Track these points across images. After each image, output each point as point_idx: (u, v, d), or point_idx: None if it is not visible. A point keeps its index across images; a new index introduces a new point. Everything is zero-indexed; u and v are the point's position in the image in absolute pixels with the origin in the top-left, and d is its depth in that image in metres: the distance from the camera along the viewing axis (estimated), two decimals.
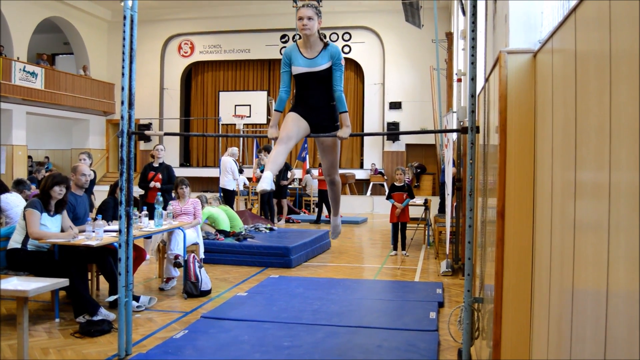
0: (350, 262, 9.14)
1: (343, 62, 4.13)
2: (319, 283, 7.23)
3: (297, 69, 4.10)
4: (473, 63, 3.90)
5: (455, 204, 8.27)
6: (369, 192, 19.82)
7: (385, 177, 19.74)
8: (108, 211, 6.80)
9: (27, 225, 5.49)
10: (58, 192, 5.65)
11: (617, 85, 1.44)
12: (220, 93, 22.34)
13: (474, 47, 3.89)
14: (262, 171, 13.26)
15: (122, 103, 4.21)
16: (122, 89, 4.20)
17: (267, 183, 3.73)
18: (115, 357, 4.52)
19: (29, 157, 20.57)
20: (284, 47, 21.41)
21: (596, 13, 1.67)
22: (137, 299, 5.85)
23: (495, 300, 3.04)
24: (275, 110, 4.20)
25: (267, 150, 13.56)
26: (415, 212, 10.66)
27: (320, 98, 4.14)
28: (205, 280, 6.59)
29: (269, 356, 4.48)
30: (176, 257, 6.75)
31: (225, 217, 9.21)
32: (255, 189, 3.85)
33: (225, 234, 9.00)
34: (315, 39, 4.06)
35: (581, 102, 1.85)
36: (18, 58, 18.15)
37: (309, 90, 4.14)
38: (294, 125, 4.06)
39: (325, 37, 4.19)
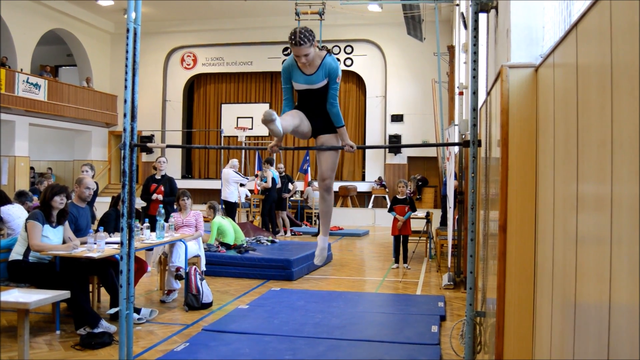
0: (352, 275, 9.12)
1: (339, 78, 4.06)
2: (320, 296, 7.22)
3: (297, 85, 4.11)
4: (475, 77, 3.91)
5: (457, 217, 8.26)
6: (370, 205, 19.81)
7: (387, 190, 19.73)
8: (110, 223, 6.80)
9: (28, 237, 5.49)
10: (59, 202, 5.67)
11: (618, 99, 1.44)
12: (223, 105, 22.39)
13: (475, 61, 3.91)
14: (265, 182, 13.30)
15: (125, 115, 4.22)
16: (125, 101, 4.21)
17: (274, 115, 3.58)
18: None
19: (31, 168, 20.61)
20: (286, 59, 21.47)
21: (597, 27, 1.68)
22: (138, 311, 5.84)
23: (497, 314, 3.03)
24: None
25: (269, 162, 13.57)
26: (417, 224, 10.65)
27: (321, 107, 4.13)
28: (206, 293, 6.58)
29: None
30: (177, 269, 6.75)
31: (232, 230, 9.22)
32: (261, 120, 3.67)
33: (227, 246, 8.99)
34: (314, 56, 4.00)
35: (582, 115, 1.85)
36: (22, 69, 18.23)
37: (309, 103, 4.15)
38: (299, 113, 4.08)
39: (324, 47, 4.15)
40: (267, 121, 3.56)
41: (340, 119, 4.12)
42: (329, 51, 4.08)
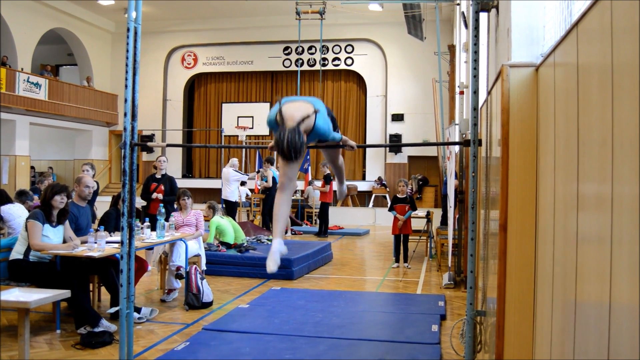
0: (352, 274, 9.12)
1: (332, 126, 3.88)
2: (320, 295, 7.22)
3: None
4: (475, 76, 3.91)
5: (457, 216, 8.26)
6: (371, 204, 19.81)
7: (388, 189, 19.73)
8: (110, 222, 6.80)
9: (28, 236, 5.49)
10: (59, 201, 5.67)
11: (619, 98, 1.44)
12: (223, 104, 22.38)
13: (476, 61, 3.91)
14: (265, 182, 13.30)
15: (125, 115, 4.21)
16: (125, 100, 4.21)
17: (274, 262, 3.43)
18: None
19: (32, 167, 20.61)
20: (287, 59, 21.48)
21: (598, 27, 1.68)
22: (138, 310, 5.83)
23: (497, 314, 3.03)
24: None
25: (270, 161, 13.57)
26: (417, 224, 10.64)
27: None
28: (206, 292, 6.58)
29: None
30: (178, 268, 6.75)
31: (231, 229, 9.22)
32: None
33: (228, 245, 8.99)
34: None
35: (583, 115, 1.85)
36: (22, 69, 18.23)
37: None
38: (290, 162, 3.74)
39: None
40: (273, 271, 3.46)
41: (338, 135, 3.99)
42: (316, 111, 3.70)
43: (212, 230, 8.90)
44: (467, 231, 4.17)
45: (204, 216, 8.44)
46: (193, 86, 23.48)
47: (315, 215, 16.76)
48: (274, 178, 13.30)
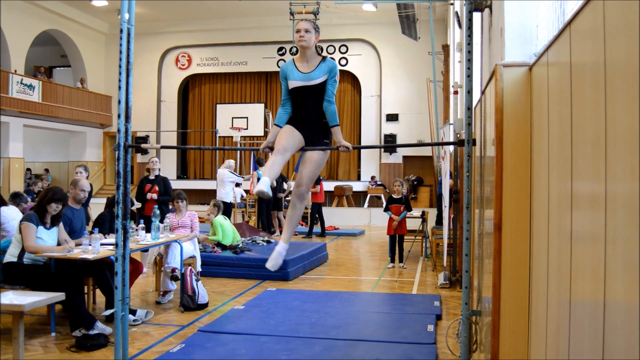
0: (348, 275, 9.12)
1: (338, 77, 4.13)
2: (316, 296, 7.21)
3: (292, 83, 4.09)
4: (469, 76, 3.91)
5: (452, 216, 8.27)
6: (366, 204, 19.81)
7: (387, 190, 19.70)
8: (105, 224, 6.78)
9: (22, 238, 5.47)
10: (54, 208, 5.64)
11: (612, 97, 1.44)
12: (218, 105, 22.34)
13: (470, 60, 3.91)
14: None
15: (119, 116, 4.20)
16: (119, 102, 4.20)
17: (265, 186, 3.74)
18: None
19: (28, 169, 20.54)
20: (281, 59, 21.48)
21: (591, 26, 1.68)
22: (133, 312, 5.82)
23: (492, 313, 3.03)
24: (274, 124, 4.19)
25: (260, 163, 13.54)
26: (412, 224, 10.64)
27: (313, 113, 4.13)
28: (202, 294, 6.56)
29: None
30: (173, 270, 6.73)
31: (231, 231, 9.20)
32: (254, 194, 3.88)
33: (223, 246, 8.98)
34: (311, 53, 4.09)
35: (577, 114, 1.86)
36: (15, 71, 18.16)
37: (303, 104, 4.13)
38: (290, 137, 4.07)
39: (322, 50, 4.21)
40: (263, 192, 3.76)
41: (336, 117, 4.13)
42: (324, 57, 4.19)
43: (217, 229, 8.88)
44: (462, 231, 4.17)
45: (200, 217, 8.43)
46: (187, 87, 23.45)
47: (311, 215, 16.73)
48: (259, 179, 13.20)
